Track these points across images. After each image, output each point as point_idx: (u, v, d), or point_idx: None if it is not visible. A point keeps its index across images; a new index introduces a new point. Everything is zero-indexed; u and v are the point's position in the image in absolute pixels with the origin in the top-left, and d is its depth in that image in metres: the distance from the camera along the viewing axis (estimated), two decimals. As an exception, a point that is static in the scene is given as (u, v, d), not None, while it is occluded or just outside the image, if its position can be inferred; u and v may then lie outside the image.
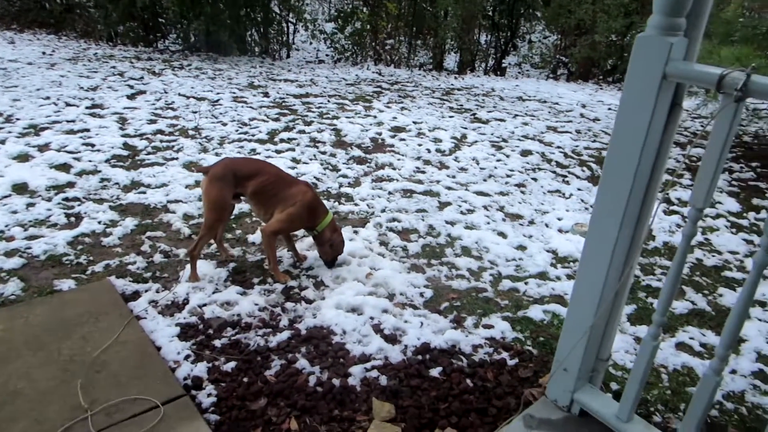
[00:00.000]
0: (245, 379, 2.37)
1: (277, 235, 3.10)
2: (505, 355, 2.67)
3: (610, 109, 8.13)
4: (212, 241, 3.30)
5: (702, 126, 7.04)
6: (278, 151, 5.09)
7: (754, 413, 2.46)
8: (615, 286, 1.62)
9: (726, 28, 5.61)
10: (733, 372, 2.72)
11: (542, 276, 3.41)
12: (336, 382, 2.39)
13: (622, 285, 1.64)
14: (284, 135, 5.55)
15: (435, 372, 2.52)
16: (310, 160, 4.96)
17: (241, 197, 3.10)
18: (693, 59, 1.39)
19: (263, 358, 2.51)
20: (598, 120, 7.37)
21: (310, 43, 12.26)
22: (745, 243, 4.08)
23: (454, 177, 4.84)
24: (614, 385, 2.54)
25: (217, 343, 2.58)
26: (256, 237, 3.54)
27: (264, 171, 3.07)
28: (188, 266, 3.04)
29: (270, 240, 3.05)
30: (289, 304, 2.90)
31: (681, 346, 2.88)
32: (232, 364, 2.45)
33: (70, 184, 4.07)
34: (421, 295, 3.10)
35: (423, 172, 4.89)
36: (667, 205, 4.63)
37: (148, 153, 4.79)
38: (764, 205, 4.72)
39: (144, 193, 4.04)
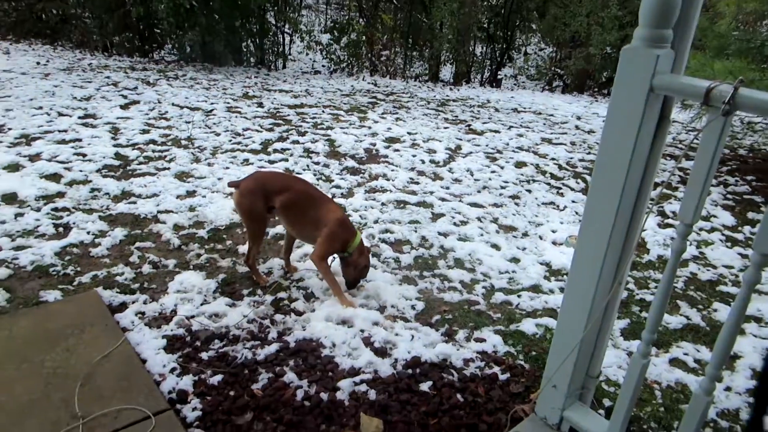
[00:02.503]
0: (231, 393, 2.33)
1: (325, 259, 3.04)
2: (496, 369, 2.63)
3: (605, 121, 8.15)
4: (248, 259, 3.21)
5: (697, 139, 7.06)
6: (272, 161, 5.06)
7: None
8: (605, 300, 1.59)
9: (719, 42, 5.64)
10: (728, 389, 2.69)
11: (535, 289, 3.38)
12: (324, 396, 2.35)
13: (611, 298, 1.62)
14: (278, 145, 5.53)
15: (425, 386, 2.48)
16: (304, 170, 4.94)
17: (272, 210, 3.10)
18: (681, 71, 1.37)
19: (250, 371, 2.47)
20: (593, 132, 7.39)
21: (306, 54, 12.29)
22: (740, 257, 4.06)
23: (448, 188, 4.82)
24: (607, 402, 2.50)
25: (204, 355, 2.53)
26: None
27: (293, 187, 3.08)
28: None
29: (323, 266, 3.03)
30: (278, 316, 2.86)
31: (675, 362, 2.85)
32: (219, 377, 2.40)
33: (60, 194, 4.03)
34: (413, 307, 3.07)
35: (417, 183, 4.87)
36: (662, 219, 4.61)
37: (140, 163, 4.76)
38: (759, 219, 4.71)
39: (134, 203, 4.00)
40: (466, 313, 3.07)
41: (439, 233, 3.96)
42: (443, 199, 4.56)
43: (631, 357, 2.76)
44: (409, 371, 2.57)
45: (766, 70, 4.47)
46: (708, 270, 3.81)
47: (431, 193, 4.67)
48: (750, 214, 4.78)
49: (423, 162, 5.42)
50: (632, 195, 1.48)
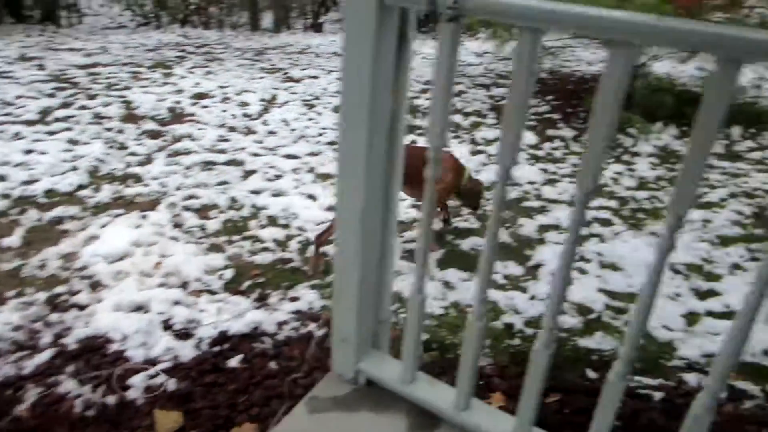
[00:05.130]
0: (-12, 423, 1.92)
1: None
2: (312, 326, 2.50)
3: (423, 58, 8.24)
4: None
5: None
6: (51, 133, 4.34)
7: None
8: (378, 239, 1.47)
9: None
10: (533, 298, 2.83)
11: (353, 234, 3.28)
12: (111, 400, 2.03)
13: (386, 234, 1.50)
14: (60, 113, 4.76)
15: (234, 362, 2.27)
16: (92, 139, 4.30)
17: None
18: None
19: (15, 389, 2.06)
20: (411, 69, 7.42)
21: (111, 8, 10.82)
22: (542, 172, 4.31)
23: (261, 142, 4.51)
24: (423, 336, 2.49)
25: (-49, 384, 2.07)
26: (12, 241, 2.95)
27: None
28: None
29: None
30: (54, 316, 2.44)
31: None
32: (-30, 407, 1.97)
33: None
34: (220, 277, 2.80)
35: (227, 141, 4.49)
36: (474, 146, 4.76)
37: None
38: (558, 135, 5.05)
39: None
40: (280, 273, 2.88)
41: (251, 191, 3.68)
42: (256, 155, 4.26)
43: (450, 286, 2.82)
44: (217, 349, 2.34)
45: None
46: (514, 189, 3.98)
47: (243, 149, 4.33)
48: (549, 132, 5.11)
49: (234, 117, 5.02)
50: (384, 121, 1.34)
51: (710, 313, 2.74)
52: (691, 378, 2.32)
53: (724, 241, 3.42)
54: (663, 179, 4.36)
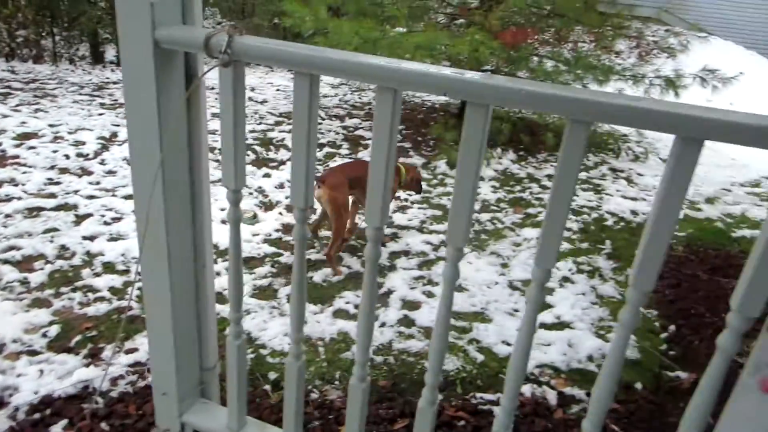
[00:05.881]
0: None
1: None
2: (150, 378, 2.34)
3: (278, 90, 8.26)
4: None
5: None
6: None
7: (400, 359, 2.64)
8: (191, 283, 1.42)
9: (358, 6, 6.01)
10: (383, 325, 2.89)
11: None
12: None
13: (200, 283, 1.45)
14: None
15: (58, 429, 2.04)
16: None
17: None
18: (197, 23, 1.22)
19: None
20: (266, 102, 7.40)
21: None
22: (394, 200, 4.47)
23: (98, 183, 4.20)
24: (273, 374, 2.44)
25: None
26: None
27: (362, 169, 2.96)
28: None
29: None
30: None
31: (338, 314, 2.96)
32: None
33: None
34: (44, 335, 2.53)
35: (57, 184, 4.12)
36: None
37: None
38: (409, 163, 5.30)
39: None
40: (116, 324, 2.67)
41: (85, 237, 3.40)
42: (92, 197, 3.95)
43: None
44: (37, 416, 2.10)
45: (386, 30, 4.96)
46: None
47: (76, 192, 4.00)
48: (400, 159, 5.33)
49: (67, 157, 4.62)
50: (183, 166, 1.30)
51: (543, 325, 2.97)
52: (526, 389, 2.49)
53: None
54: (503, 201, 4.73)
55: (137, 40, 1.12)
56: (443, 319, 1.23)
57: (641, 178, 5.61)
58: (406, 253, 3.66)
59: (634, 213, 4.61)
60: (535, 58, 5.65)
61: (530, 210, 4.56)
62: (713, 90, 5.56)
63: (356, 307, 3.02)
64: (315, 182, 3.68)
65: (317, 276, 3.28)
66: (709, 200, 5.05)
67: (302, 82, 1.07)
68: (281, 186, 4.60)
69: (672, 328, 3.03)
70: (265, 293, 3.09)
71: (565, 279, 3.49)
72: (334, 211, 3.28)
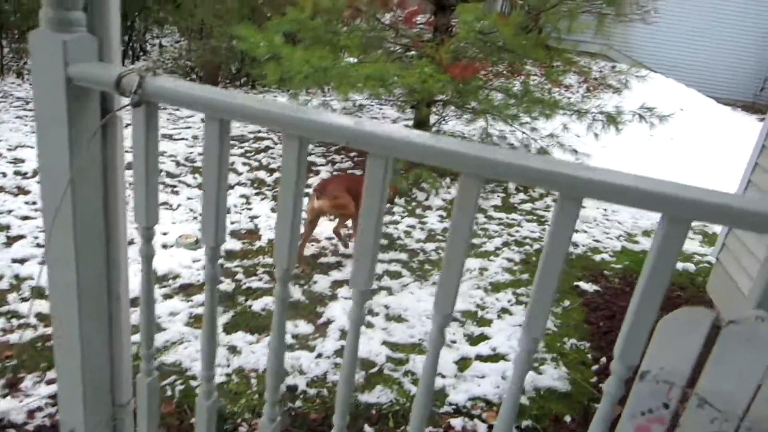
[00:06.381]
0: None
1: None
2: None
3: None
4: None
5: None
6: None
7: (334, 391, 2.63)
8: (104, 313, 1.40)
9: (314, 33, 6.06)
10: (319, 356, 2.88)
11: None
12: None
13: (114, 314, 1.43)
14: None
15: (-35, 466, 1.96)
16: None
17: None
18: (115, 59, 1.23)
19: None
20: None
21: None
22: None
23: (34, 203, 4.07)
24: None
25: None
26: None
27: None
28: None
29: None
30: None
31: (274, 343, 2.93)
32: None
33: None
34: (-41, 365, 2.43)
35: (-9, 203, 3.98)
36: (275, 203, 4.80)
37: None
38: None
39: None
40: (39, 352, 2.58)
41: (14, 260, 3.28)
42: (27, 218, 3.82)
43: (236, 351, 2.74)
44: (-58, 454, 2.00)
45: (338, 60, 5.03)
46: (312, 245, 4.09)
47: (10, 212, 3.87)
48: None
49: (4, 175, 4.48)
50: (95, 200, 1.29)
51: (479, 357, 3.01)
52: (457, 423, 2.52)
53: (496, 287, 3.83)
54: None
55: (49, 76, 1.12)
56: (349, 363, 1.24)
57: (583, 210, 5.80)
58: (348, 282, 3.67)
59: (575, 245, 4.75)
60: (486, 91, 5.81)
61: (474, 240, 4.64)
62: (651, 126, 5.80)
63: (294, 336, 3.00)
64: (313, 193, 3.72)
65: (256, 305, 3.25)
66: (646, 233, 5.26)
67: (213, 126, 1.09)
68: (227, 211, 4.56)
69: (603, 360, 3.12)
70: (201, 322, 3.03)
71: (504, 310, 3.55)
72: (343, 212, 3.72)
